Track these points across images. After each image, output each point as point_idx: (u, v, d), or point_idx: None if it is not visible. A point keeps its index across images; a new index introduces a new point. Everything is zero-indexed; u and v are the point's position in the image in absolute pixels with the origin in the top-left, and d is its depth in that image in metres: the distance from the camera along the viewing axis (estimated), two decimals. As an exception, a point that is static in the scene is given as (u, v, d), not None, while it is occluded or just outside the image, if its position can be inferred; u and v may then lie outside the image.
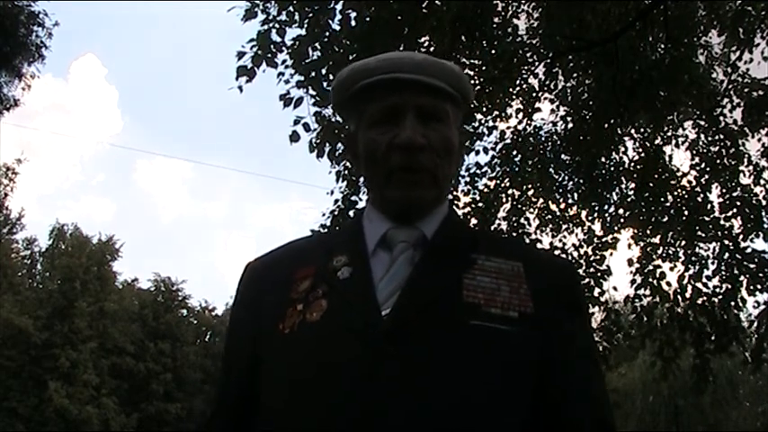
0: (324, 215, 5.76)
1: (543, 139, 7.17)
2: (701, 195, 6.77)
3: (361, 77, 1.09)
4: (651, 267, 6.68)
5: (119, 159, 53.58)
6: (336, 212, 5.66)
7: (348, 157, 1.28)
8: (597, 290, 6.79)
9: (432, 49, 5.32)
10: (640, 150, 7.07)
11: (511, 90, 6.67)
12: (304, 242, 1.18)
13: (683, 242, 6.70)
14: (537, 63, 6.61)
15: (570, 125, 7.02)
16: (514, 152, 6.98)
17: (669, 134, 7.20)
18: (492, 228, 6.70)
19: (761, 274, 6.19)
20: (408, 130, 1.04)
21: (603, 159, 7.04)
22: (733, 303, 6.31)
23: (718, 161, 6.88)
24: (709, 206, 6.68)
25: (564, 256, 6.94)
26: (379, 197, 1.10)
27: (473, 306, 0.98)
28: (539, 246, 6.86)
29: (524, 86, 6.85)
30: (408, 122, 1.05)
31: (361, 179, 1.19)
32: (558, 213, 7.14)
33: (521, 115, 7.01)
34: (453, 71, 1.12)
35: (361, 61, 1.12)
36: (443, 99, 1.09)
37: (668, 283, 6.59)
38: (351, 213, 5.45)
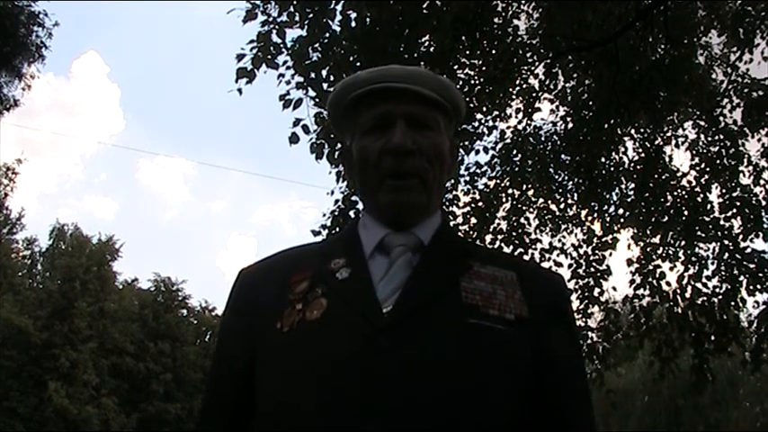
0: (324, 215, 5.77)
1: (543, 139, 7.19)
2: (701, 195, 6.78)
3: (352, 89, 1.13)
4: (651, 267, 6.68)
5: (120, 158, 53.71)
6: (336, 212, 5.66)
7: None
8: (597, 290, 6.80)
9: (432, 49, 5.31)
10: (640, 150, 7.08)
11: (511, 90, 6.68)
12: (297, 251, 1.19)
13: (683, 242, 6.70)
14: (537, 63, 6.62)
15: (570, 125, 7.03)
16: (514, 152, 7.00)
17: (669, 134, 7.21)
18: (492, 228, 6.72)
19: (761, 274, 6.20)
20: (399, 136, 1.07)
21: (603, 159, 7.05)
22: (733, 303, 6.32)
23: (718, 161, 6.89)
24: (709, 206, 6.69)
25: (564, 256, 6.99)
26: (373, 203, 1.13)
27: (472, 307, 1.01)
28: (538, 246, 6.90)
29: (524, 86, 6.86)
30: (399, 128, 1.08)
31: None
32: (558, 213, 7.16)
33: (521, 115, 7.03)
34: (442, 82, 1.16)
35: (351, 75, 1.17)
36: (433, 108, 1.12)
37: (668, 283, 6.60)
38: (351, 213, 5.45)
